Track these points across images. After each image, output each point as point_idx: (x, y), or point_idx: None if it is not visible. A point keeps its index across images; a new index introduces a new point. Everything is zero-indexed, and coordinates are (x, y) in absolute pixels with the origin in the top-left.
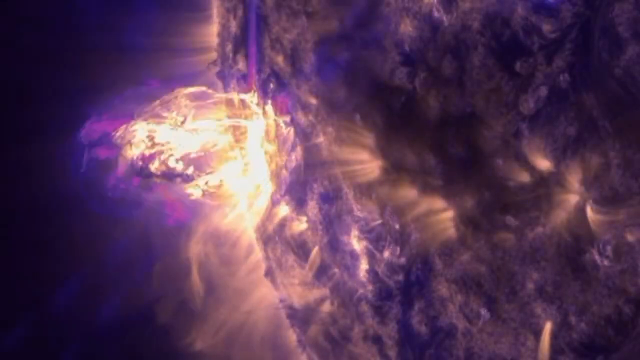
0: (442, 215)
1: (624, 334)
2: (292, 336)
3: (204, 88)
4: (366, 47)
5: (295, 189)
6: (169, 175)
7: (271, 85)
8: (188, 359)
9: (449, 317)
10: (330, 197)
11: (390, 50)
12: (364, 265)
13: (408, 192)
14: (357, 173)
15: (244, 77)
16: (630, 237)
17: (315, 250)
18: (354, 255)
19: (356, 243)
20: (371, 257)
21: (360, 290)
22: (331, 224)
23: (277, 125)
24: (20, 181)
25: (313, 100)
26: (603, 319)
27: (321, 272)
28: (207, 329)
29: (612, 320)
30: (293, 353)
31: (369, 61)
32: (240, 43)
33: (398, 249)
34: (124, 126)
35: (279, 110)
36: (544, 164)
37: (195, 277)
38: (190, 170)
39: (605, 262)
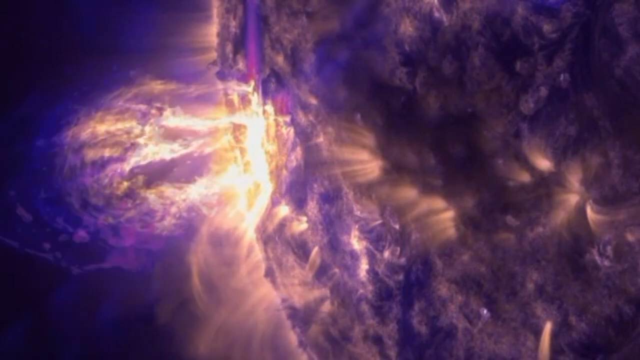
0: (442, 215)
1: (624, 334)
2: (292, 336)
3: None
4: (366, 47)
5: (296, 189)
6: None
7: (271, 85)
8: (188, 359)
9: (449, 317)
10: (330, 197)
11: (390, 50)
12: (364, 265)
13: (408, 192)
14: (357, 173)
15: (244, 76)
16: (630, 237)
17: (315, 251)
18: (354, 255)
19: (356, 243)
20: (371, 257)
21: (361, 290)
22: (331, 224)
23: (277, 125)
24: None
25: (313, 100)
26: (603, 319)
27: (321, 272)
28: (207, 329)
29: (612, 320)
30: (293, 353)
31: (369, 61)
32: (240, 43)
33: (398, 249)
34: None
35: (279, 110)
36: (544, 164)
37: (195, 277)
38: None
39: (606, 262)
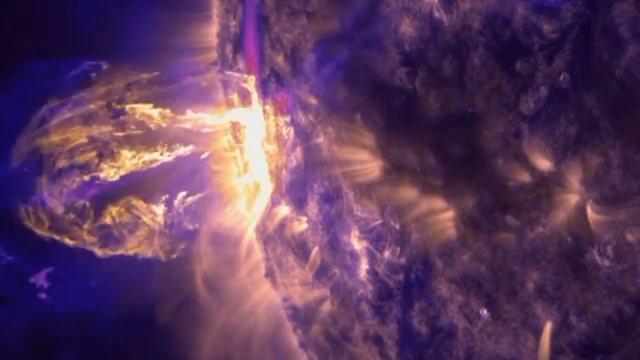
0: (442, 215)
1: (625, 334)
2: (292, 336)
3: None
4: (366, 47)
5: (296, 189)
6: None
7: (271, 85)
8: (188, 359)
9: (449, 317)
10: (330, 197)
11: (390, 50)
12: (364, 265)
13: (408, 192)
14: (358, 173)
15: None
16: (630, 237)
17: (315, 250)
18: (354, 255)
19: (356, 243)
20: (371, 257)
21: (361, 290)
22: (331, 224)
23: (277, 125)
24: None
25: (313, 100)
26: (603, 319)
27: (321, 272)
28: (208, 329)
29: (612, 320)
30: (293, 353)
31: (369, 61)
32: (240, 43)
33: (398, 249)
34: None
35: (279, 110)
36: (544, 164)
37: (195, 277)
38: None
39: (606, 262)
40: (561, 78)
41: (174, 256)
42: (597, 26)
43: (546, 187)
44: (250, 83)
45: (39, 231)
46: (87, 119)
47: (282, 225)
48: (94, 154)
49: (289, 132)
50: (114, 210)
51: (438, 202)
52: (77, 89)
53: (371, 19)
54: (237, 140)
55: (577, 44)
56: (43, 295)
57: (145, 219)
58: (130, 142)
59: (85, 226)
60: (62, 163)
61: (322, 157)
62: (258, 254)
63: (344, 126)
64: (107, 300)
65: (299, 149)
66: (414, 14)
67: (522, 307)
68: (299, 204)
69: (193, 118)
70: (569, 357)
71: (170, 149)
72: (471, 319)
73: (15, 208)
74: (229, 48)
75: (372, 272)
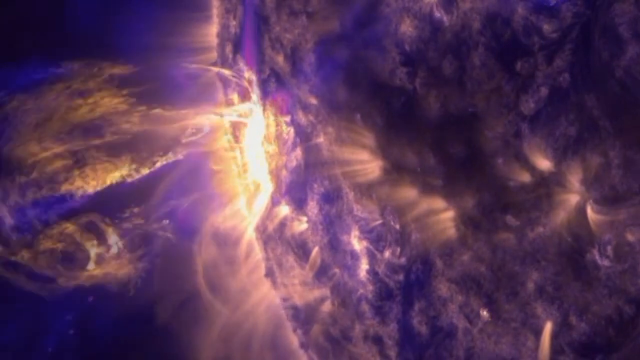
0: (442, 215)
1: (625, 334)
2: (292, 336)
3: None
4: (366, 47)
5: (296, 189)
6: None
7: (271, 85)
8: (188, 359)
9: (449, 317)
10: (330, 197)
11: (390, 50)
12: (364, 265)
13: (408, 192)
14: (358, 173)
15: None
16: (630, 237)
17: (315, 250)
18: (354, 256)
19: (356, 243)
20: (371, 257)
21: (361, 290)
22: (331, 224)
23: (277, 125)
24: None
25: (313, 100)
26: (604, 319)
27: (321, 272)
28: (207, 328)
29: (612, 320)
30: (293, 353)
31: (369, 61)
32: (240, 43)
33: (398, 249)
34: None
35: (279, 110)
36: (544, 164)
37: (196, 277)
38: None
39: (606, 262)
40: (561, 78)
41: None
42: (597, 26)
43: (546, 187)
44: (250, 83)
45: None
46: (53, 123)
47: (282, 225)
48: (60, 164)
49: (289, 132)
50: (70, 229)
51: (438, 202)
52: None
53: (371, 19)
54: (237, 140)
55: (577, 44)
56: None
57: (90, 244)
58: (106, 151)
59: (35, 248)
60: (21, 177)
61: (322, 157)
62: (258, 253)
63: (344, 126)
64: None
65: (299, 149)
66: (414, 14)
67: (522, 307)
68: (299, 204)
69: (193, 118)
70: (569, 357)
71: (153, 159)
72: (471, 319)
73: None
74: (229, 48)
75: (372, 272)
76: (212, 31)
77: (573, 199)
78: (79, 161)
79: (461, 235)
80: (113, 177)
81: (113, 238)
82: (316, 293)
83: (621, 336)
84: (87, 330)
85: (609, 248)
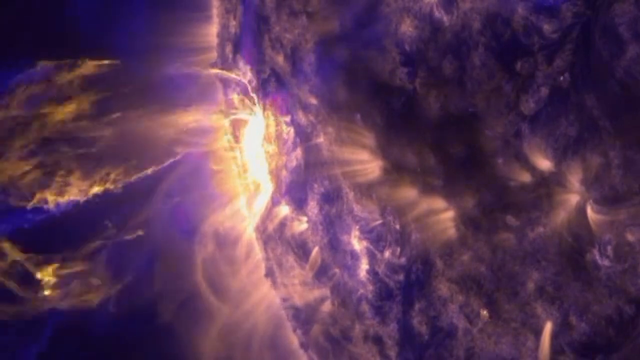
0: (442, 215)
1: (625, 334)
2: (292, 336)
3: None
4: (366, 47)
5: (296, 189)
6: None
7: (271, 85)
8: (188, 358)
9: (449, 317)
10: (330, 197)
11: (390, 50)
12: (364, 265)
13: (408, 192)
14: (358, 173)
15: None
16: (630, 237)
17: (315, 250)
18: (354, 256)
19: (356, 243)
20: (371, 257)
21: (361, 290)
22: (331, 224)
23: (277, 125)
24: None
25: (313, 100)
26: (604, 319)
27: (321, 272)
28: (207, 328)
29: (612, 320)
30: (293, 353)
31: (369, 61)
32: (240, 43)
33: (398, 249)
34: None
35: (279, 110)
36: (544, 164)
37: (196, 277)
38: None
39: (606, 262)
40: (561, 78)
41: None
42: (597, 26)
43: (546, 187)
44: (250, 83)
45: None
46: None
47: (282, 225)
48: (30, 177)
49: (289, 132)
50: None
51: (438, 202)
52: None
53: (371, 19)
54: (237, 140)
55: (577, 44)
56: None
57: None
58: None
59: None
60: None
61: (322, 157)
62: (258, 253)
63: (344, 126)
64: None
65: (299, 149)
66: (414, 14)
67: (522, 307)
68: (299, 204)
69: (193, 118)
70: (569, 357)
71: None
72: (471, 319)
73: None
74: (229, 48)
75: (372, 272)
76: (212, 31)
77: (573, 199)
78: (49, 174)
79: (461, 235)
80: (88, 188)
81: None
82: (316, 293)
83: (621, 336)
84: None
85: (609, 248)
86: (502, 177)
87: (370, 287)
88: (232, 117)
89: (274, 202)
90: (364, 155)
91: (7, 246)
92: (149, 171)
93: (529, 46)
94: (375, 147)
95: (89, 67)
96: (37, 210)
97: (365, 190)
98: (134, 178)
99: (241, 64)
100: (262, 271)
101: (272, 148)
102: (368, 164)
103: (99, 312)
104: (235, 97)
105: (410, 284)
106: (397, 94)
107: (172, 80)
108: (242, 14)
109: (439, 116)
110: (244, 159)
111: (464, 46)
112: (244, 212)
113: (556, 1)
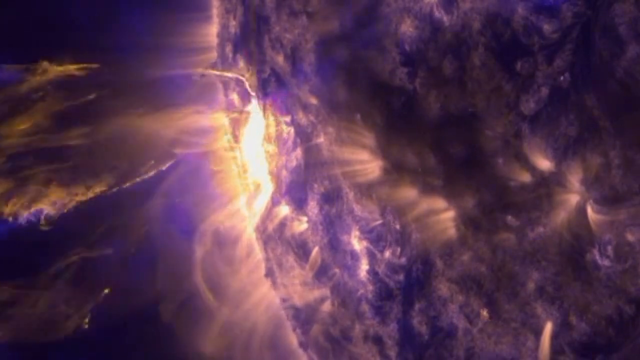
0: (442, 215)
1: (625, 334)
2: (292, 336)
3: None
4: (366, 47)
5: (296, 189)
6: None
7: (271, 85)
8: (189, 358)
9: (449, 317)
10: (330, 197)
11: (390, 50)
12: (364, 266)
13: (408, 192)
14: (358, 173)
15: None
16: (631, 237)
17: (315, 250)
18: (354, 256)
19: (357, 243)
20: (371, 257)
21: (361, 290)
22: (332, 224)
23: (277, 125)
24: None
25: (313, 100)
26: (604, 319)
27: (321, 272)
28: (208, 328)
29: (612, 320)
30: (293, 353)
31: (370, 61)
32: (241, 43)
33: (398, 249)
34: None
35: (279, 110)
36: (544, 164)
37: (197, 277)
38: None
39: (606, 262)
40: (561, 78)
41: None
42: (598, 26)
43: (546, 187)
44: (250, 83)
45: None
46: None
47: (282, 225)
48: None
49: (289, 132)
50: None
51: (438, 202)
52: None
53: (371, 19)
54: (237, 140)
55: (577, 44)
56: None
57: None
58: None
59: None
60: None
61: (322, 157)
62: (258, 253)
63: (344, 126)
64: None
65: (299, 149)
66: (414, 14)
67: (523, 307)
68: (299, 204)
69: (192, 118)
70: (569, 357)
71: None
72: (471, 319)
73: None
74: (229, 48)
75: (372, 272)
76: (212, 31)
77: (573, 199)
78: (20, 186)
79: (461, 235)
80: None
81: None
82: (316, 293)
83: (621, 336)
84: None
85: (609, 248)
86: (502, 177)
87: (370, 287)
88: (232, 117)
89: (274, 202)
90: (364, 155)
91: None
92: (149, 172)
93: (529, 46)
94: (375, 147)
95: (70, 69)
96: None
97: (365, 190)
98: (133, 180)
99: (241, 64)
100: (262, 271)
101: (272, 148)
102: (368, 164)
103: None
104: (235, 97)
105: (410, 284)
106: (397, 94)
107: (172, 80)
108: (242, 14)
109: (439, 116)
110: (243, 159)
111: (464, 46)
112: (244, 212)
113: (556, 1)
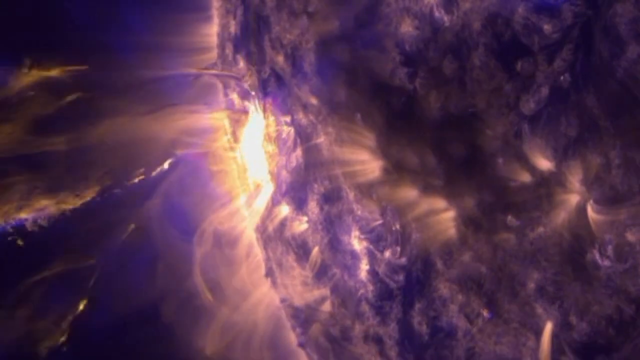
0: (442, 215)
1: (625, 334)
2: (292, 336)
3: None
4: (367, 47)
5: (296, 189)
6: None
7: (271, 85)
8: (189, 358)
9: (449, 317)
10: (330, 197)
11: (390, 50)
12: (364, 266)
13: (409, 192)
14: (358, 173)
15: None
16: (631, 237)
17: (315, 251)
18: (354, 256)
19: (357, 243)
20: (372, 257)
21: (361, 291)
22: (332, 224)
23: (278, 125)
24: None
25: (313, 100)
26: (604, 319)
27: (322, 272)
28: (208, 328)
29: (613, 320)
30: (293, 353)
31: (370, 61)
32: (241, 43)
33: (399, 249)
34: None
35: (279, 110)
36: (545, 164)
37: (197, 277)
38: None
39: (606, 262)
40: (562, 78)
41: None
42: (598, 26)
43: (547, 187)
44: (250, 83)
45: None
46: None
47: (283, 225)
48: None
49: (289, 132)
50: None
51: (438, 202)
52: None
53: (371, 19)
54: (237, 139)
55: (577, 44)
56: None
57: None
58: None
59: None
60: None
61: (322, 157)
62: (258, 254)
63: (344, 126)
64: None
65: (299, 149)
66: (414, 14)
67: (523, 307)
68: (299, 204)
69: (192, 118)
70: (569, 357)
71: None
72: (472, 319)
73: None
74: (229, 48)
75: (372, 272)
76: (212, 31)
77: (573, 199)
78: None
79: (462, 236)
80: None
81: None
82: (316, 293)
83: (621, 336)
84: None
85: (610, 248)
86: (502, 177)
87: (370, 287)
88: (232, 117)
89: (274, 202)
90: (364, 155)
91: None
92: (149, 172)
93: (529, 46)
94: (375, 147)
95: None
96: None
97: (366, 190)
98: (132, 181)
99: (241, 64)
100: (262, 271)
101: (272, 148)
102: (368, 164)
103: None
104: (235, 97)
105: (410, 284)
106: (397, 94)
107: (172, 80)
108: (242, 14)
109: (439, 116)
110: (243, 159)
111: (464, 46)
112: (244, 212)
113: (556, 1)
